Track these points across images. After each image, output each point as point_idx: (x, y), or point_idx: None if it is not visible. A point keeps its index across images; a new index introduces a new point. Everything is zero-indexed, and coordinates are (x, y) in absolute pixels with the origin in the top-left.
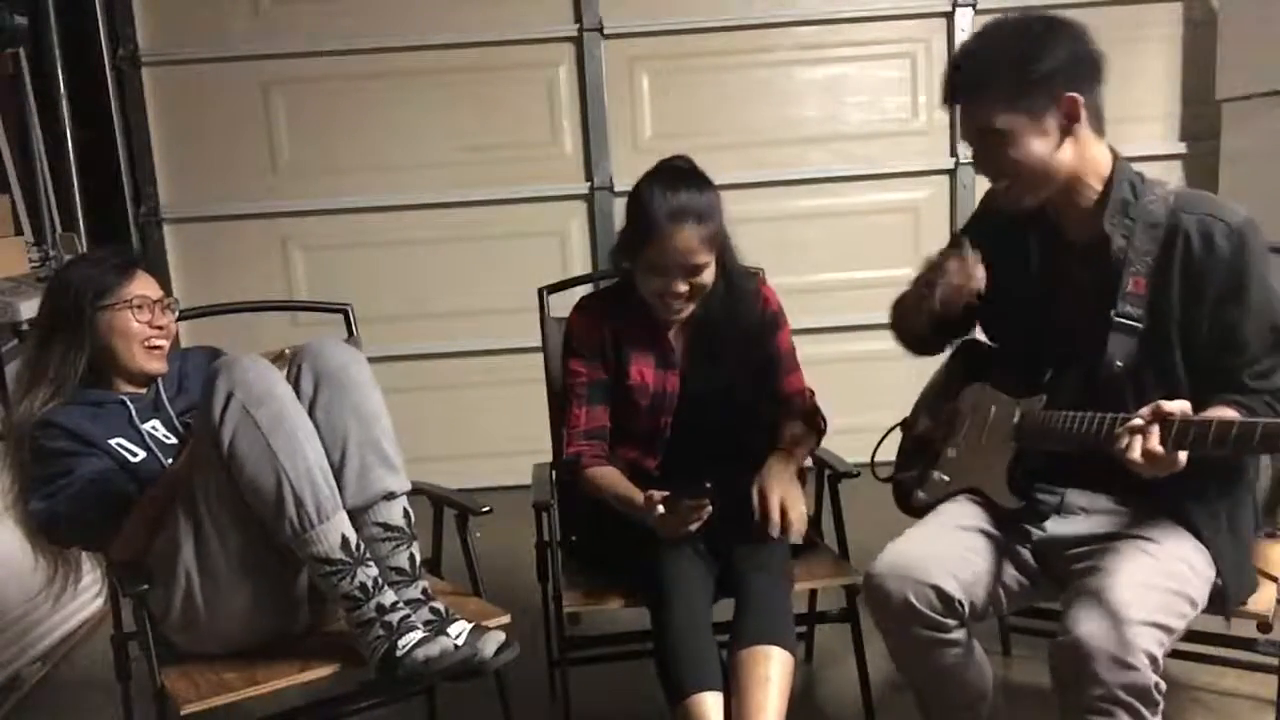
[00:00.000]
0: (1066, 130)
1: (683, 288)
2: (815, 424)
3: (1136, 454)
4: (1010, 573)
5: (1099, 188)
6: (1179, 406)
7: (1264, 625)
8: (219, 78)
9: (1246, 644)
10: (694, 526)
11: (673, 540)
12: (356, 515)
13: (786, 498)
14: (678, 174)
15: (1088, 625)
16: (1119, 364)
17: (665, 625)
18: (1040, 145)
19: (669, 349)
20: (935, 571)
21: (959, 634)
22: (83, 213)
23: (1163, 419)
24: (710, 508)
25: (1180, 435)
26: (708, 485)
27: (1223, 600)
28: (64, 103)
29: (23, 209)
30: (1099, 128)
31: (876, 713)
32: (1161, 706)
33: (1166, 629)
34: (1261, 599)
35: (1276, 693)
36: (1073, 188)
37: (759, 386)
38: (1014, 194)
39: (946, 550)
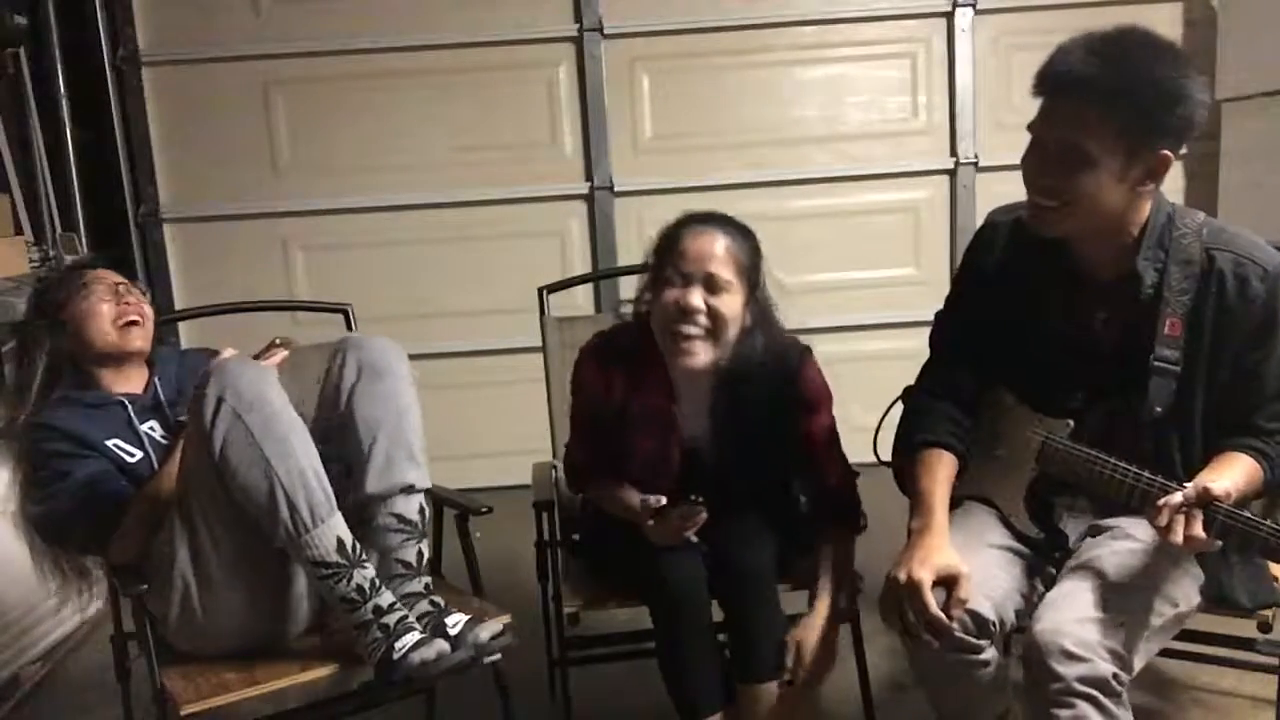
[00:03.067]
0: (1141, 183)
1: (698, 300)
2: (852, 528)
3: (1178, 539)
4: (1038, 586)
5: (1134, 233)
6: (1224, 489)
7: (1264, 625)
8: (219, 78)
9: (1246, 644)
10: (689, 533)
11: (666, 545)
12: (374, 502)
13: (808, 645)
14: (712, 212)
15: (1045, 621)
16: (1159, 409)
17: (672, 642)
18: (1111, 186)
19: (674, 412)
20: (972, 594)
21: (990, 654)
22: (83, 213)
23: (1207, 504)
24: (704, 513)
25: (1225, 530)
26: (699, 499)
27: (1234, 604)
28: (64, 103)
29: (23, 209)
30: (1160, 183)
31: (876, 713)
32: (1124, 695)
33: (1140, 624)
34: None
35: (1276, 693)
36: (1110, 230)
37: (783, 466)
38: (1053, 218)
39: (977, 570)
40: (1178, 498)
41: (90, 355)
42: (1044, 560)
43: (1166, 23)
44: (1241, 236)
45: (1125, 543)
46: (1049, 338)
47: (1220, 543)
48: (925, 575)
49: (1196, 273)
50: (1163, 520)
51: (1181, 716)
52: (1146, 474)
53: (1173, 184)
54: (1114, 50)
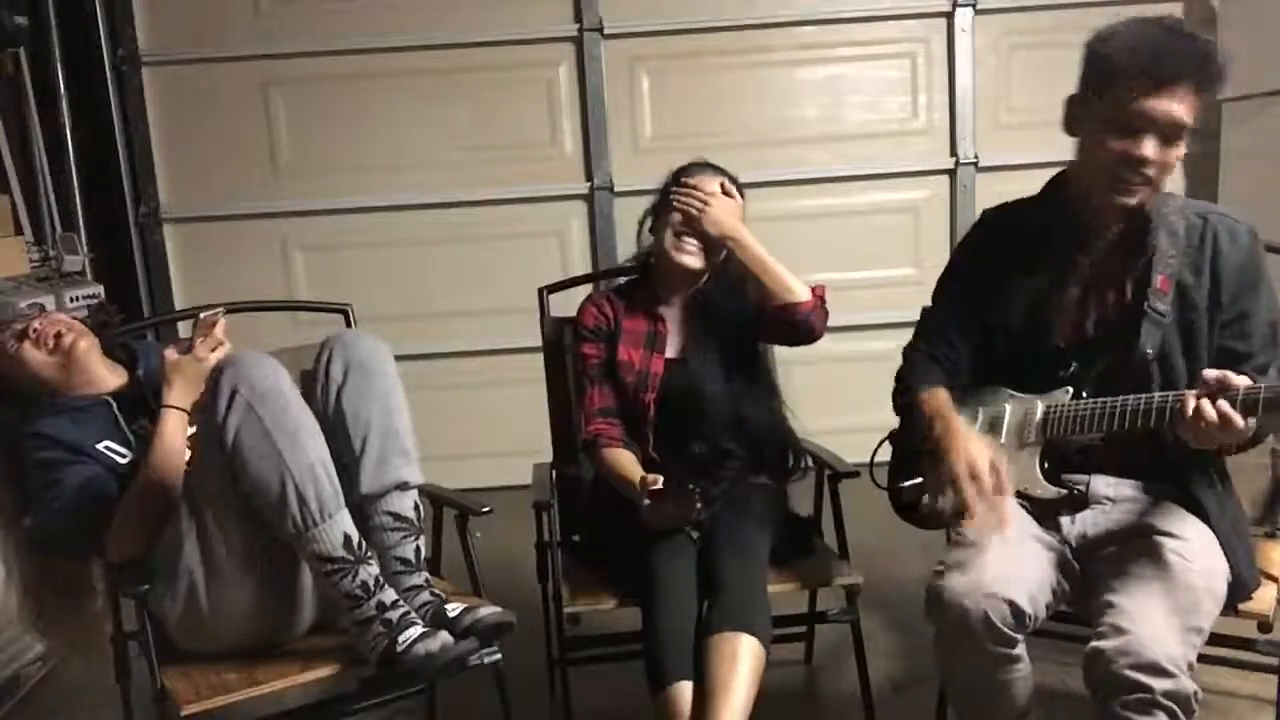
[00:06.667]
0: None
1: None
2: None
3: (1212, 415)
4: (1060, 580)
5: None
6: (1243, 380)
7: (1264, 625)
8: (219, 78)
9: (1246, 644)
10: (684, 525)
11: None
12: (369, 502)
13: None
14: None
15: (1131, 631)
16: (1149, 351)
17: (652, 620)
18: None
19: (662, 332)
20: (1012, 586)
21: (1021, 648)
22: (83, 213)
23: (1225, 387)
24: (700, 505)
25: (1249, 405)
26: (694, 489)
27: (1237, 590)
28: (64, 103)
29: (23, 209)
30: None
31: (876, 713)
32: (1196, 716)
33: (1199, 631)
34: (1262, 599)
35: (1276, 693)
36: None
37: (752, 372)
38: (1146, 193)
39: (1016, 562)
40: (1202, 384)
41: (52, 387)
42: (1060, 541)
43: None
44: (1217, 206)
45: (1170, 541)
46: (1045, 304)
47: (1254, 421)
48: (992, 458)
49: (1182, 244)
50: (1190, 409)
51: None
52: (1158, 395)
53: (1173, 185)
54: (1175, 37)
